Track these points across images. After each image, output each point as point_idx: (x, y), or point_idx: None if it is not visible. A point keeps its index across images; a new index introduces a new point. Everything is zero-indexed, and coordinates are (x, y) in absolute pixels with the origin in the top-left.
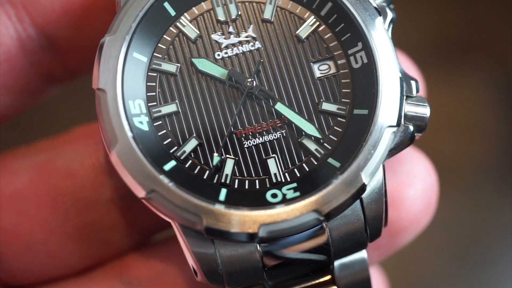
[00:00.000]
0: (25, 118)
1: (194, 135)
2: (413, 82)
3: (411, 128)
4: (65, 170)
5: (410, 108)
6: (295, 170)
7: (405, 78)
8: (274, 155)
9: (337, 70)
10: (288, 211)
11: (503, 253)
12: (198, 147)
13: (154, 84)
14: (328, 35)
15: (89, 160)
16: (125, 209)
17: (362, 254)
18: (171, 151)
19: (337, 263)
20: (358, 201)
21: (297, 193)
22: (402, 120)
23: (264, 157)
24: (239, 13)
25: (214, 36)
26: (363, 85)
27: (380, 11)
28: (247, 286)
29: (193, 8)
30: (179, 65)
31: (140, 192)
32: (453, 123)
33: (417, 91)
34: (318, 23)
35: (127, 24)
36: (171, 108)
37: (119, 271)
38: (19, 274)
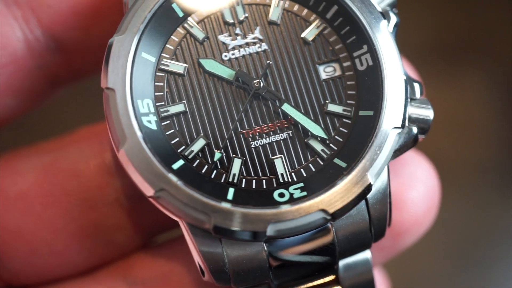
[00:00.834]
0: (29, 118)
1: (202, 134)
2: (416, 85)
3: (415, 130)
4: (70, 171)
5: (414, 110)
6: (302, 170)
7: (409, 81)
8: (280, 155)
9: (342, 72)
10: (295, 211)
11: (503, 253)
12: (205, 147)
13: (162, 84)
14: (333, 38)
15: (94, 160)
16: (130, 209)
17: (366, 254)
18: (179, 150)
19: (341, 263)
20: (363, 201)
21: (304, 193)
22: (406, 122)
23: (271, 157)
24: (246, 15)
25: (221, 38)
26: (368, 87)
27: (384, 16)
28: (253, 285)
29: (201, 9)
30: (186, 65)
31: (148, 191)
32: (453, 123)
33: (421, 93)
34: (323, 25)
35: (136, 25)
36: (179, 108)
37: (124, 271)
38: (23, 274)
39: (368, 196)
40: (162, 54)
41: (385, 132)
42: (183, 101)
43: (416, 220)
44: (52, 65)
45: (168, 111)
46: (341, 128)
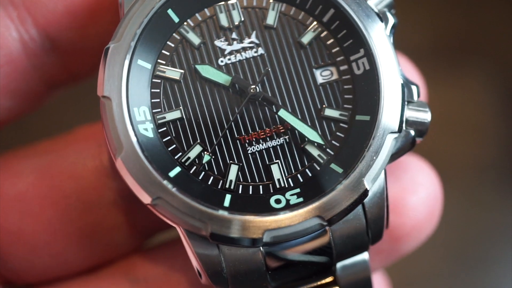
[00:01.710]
0: (27, 117)
1: (198, 141)
2: (414, 87)
3: (412, 133)
4: (68, 173)
5: (411, 114)
6: (298, 175)
7: (406, 84)
8: (277, 161)
9: (339, 76)
10: (291, 217)
11: (503, 253)
12: (202, 153)
13: (158, 90)
14: (330, 41)
15: (92, 162)
16: (127, 210)
17: (364, 255)
18: (176, 157)
19: (339, 264)
20: (360, 205)
21: (301, 199)
22: (404, 125)
23: (267, 163)
24: (242, 19)
25: (217, 43)
26: (365, 91)
27: (381, 17)
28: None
29: (196, 14)
30: (183, 71)
31: (146, 199)
32: (453, 123)
33: (418, 96)
34: (320, 29)
35: (131, 32)
36: (175, 114)
37: (126, 270)
38: (23, 273)
39: (365, 200)
40: (158, 61)
41: (382, 137)
42: (180, 108)
43: (417, 225)
44: (48, 65)
45: (164, 118)
46: (337, 133)
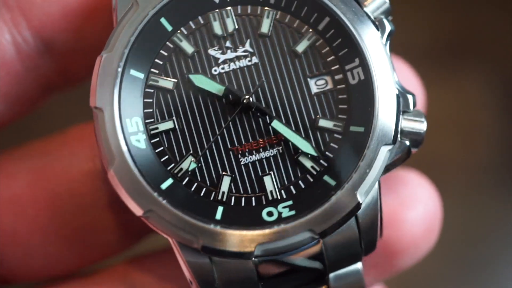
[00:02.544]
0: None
1: (191, 152)
2: (410, 96)
3: (407, 143)
4: (62, 175)
5: (407, 124)
6: (291, 187)
7: (402, 94)
8: (270, 172)
9: (334, 86)
10: (283, 231)
11: (503, 253)
12: (195, 163)
13: (151, 100)
14: (325, 50)
15: (86, 165)
16: (121, 212)
17: (357, 265)
18: (169, 168)
19: (332, 274)
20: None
21: (293, 212)
22: (399, 135)
23: (260, 174)
24: (236, 27)
25: (211, 51)
26: (359, 102)
27: (378, 26)
28: None
29: (190, 22)
30: (176, 81)
31: (137, 211)
32: (453, 123)
33: (414, 105)
34: (315, 37)
35: (124, 42)
36: (168, 125)
37: (123, 275)
38: (18, 272)
39: (358, 212)
40: (151, 70)
41: (376, 150)
42: (173, 118)
43: (414, 241)
44: (42, 68)
45: (157, 128)
46: (331, 144)
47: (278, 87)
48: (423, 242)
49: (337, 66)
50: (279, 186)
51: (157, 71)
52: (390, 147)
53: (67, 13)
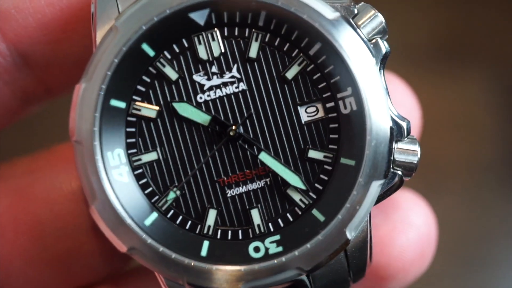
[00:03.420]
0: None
1: (176, 184)
2: (404, 124)
3: (400, 173)
4: (43, 199)
5: (400, 156)
6: (279, 220)
7: (396, 123)
8: (257, 205)
9: (325, 114)
10: (270, 268)
11: (503, 253)
12: (180, 197)
13: (134, 129)
14: (316, 76)
15: (69, 186)
16: (105, 236)
17: None
18: (153, 201)
19: None
20: None
21: (280, 248)
22: (391, 166)
23: (247, 207)
24: (223, 51)
25: (196, 77)
26: (351, 133)
27: (373, 51)
28: None
29: (174, 45)
30: (159, 109)
31: (121, 248)
32: (453, 123)
33: (408, 132)
34: (306, 62)
35: (103, 71)
36: (151, 156)
37: None
38: None
39: None
40: (133, 97)
41: (366, 185)
42: (156, 149)
43: (402, 267)
44: (21, 81)
45: (140, 159)
46: (321, 175)
47: (266, 116)
48: (414, 267)
49: (328, 94)
50: (267, 218)
51: (139, 99)
52: (381, 181)
53: (44, 25)
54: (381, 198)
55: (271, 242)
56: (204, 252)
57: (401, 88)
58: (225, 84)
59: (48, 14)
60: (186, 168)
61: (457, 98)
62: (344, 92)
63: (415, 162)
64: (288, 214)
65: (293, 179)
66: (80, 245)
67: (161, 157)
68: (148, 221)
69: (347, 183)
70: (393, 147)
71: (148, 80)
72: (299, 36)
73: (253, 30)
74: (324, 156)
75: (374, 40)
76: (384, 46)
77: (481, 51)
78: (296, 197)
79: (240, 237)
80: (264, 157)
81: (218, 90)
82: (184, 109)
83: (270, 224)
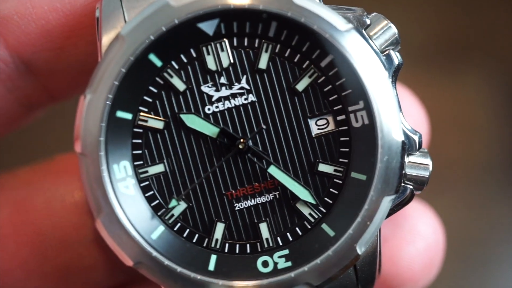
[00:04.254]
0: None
1: (183, 196)
2: (416, 137)
3: (411, 187)
4: (44, 210)
5: (411, 170)
6: (288, 234)
7: (408, 137)
8: (266, 218)
9: (335, 127)
10: (279, 284)
11: (503, 253)
12: (187, 210)
13: (140, 141)
14: (327, 88)
15: (71, 198)
16: (107, 249)
17: None
18: (159, 213)
19: None
20: None
21: (289, 263)
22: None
23: (255, 220)
24: (232, 61)
25: (204, 88)
26: (362, 147)
27: (385, 64)
28: None
29: (182, 55)
30: (166, 120)
31: (127, 262)
32: (454, 123)
33: (420, 145)
34: (317, 74)
35: (109, 82)
36: (158, 168)
37: None
38: None
39: None
40: (140, 108)
41: (377, 201)
42: (163, 161)
43: (411, 277)
44: (24, 88)
45: (147, 172)
46: (331, 189)
47: (276, 128)
48: (422, 277)
49: (339, 106)
50: (275, 232)
51: (146, 109)
52: (393, 197)
53: (47, 32)
54: (391, 212)
55: (279, 257)
56: (211, 266)
57: (408, 98)
58: (234, 96)
59: (51, 20)
60: (193, 181)
61: (457, 98)
62: (355, 105)
63: (427, 176)
64: (297, 228)
65: (303, 193)
66: (82, 258)
67: (168, 170)
68: (154, 235)
69: (358, 198)
70: (405, 161)
71: (155, 90)
72: (310, 48)
73: (263, 40)
74: (335, 170)
75: (386, 52)
76: (396, 58)
77: (481, 51)
78: (306, 211)
79: (248, 251)
80: (273, 170)
81: (226, 102)
82: (192, 121)
83: (278, 238)
